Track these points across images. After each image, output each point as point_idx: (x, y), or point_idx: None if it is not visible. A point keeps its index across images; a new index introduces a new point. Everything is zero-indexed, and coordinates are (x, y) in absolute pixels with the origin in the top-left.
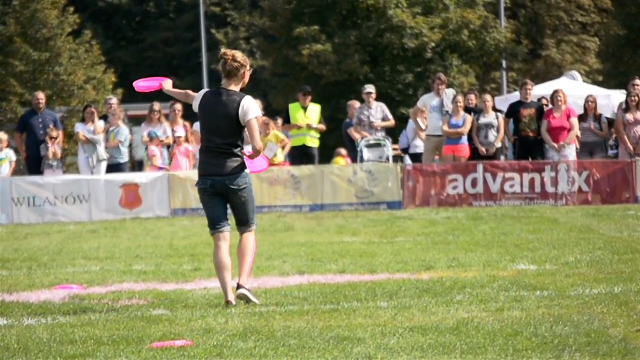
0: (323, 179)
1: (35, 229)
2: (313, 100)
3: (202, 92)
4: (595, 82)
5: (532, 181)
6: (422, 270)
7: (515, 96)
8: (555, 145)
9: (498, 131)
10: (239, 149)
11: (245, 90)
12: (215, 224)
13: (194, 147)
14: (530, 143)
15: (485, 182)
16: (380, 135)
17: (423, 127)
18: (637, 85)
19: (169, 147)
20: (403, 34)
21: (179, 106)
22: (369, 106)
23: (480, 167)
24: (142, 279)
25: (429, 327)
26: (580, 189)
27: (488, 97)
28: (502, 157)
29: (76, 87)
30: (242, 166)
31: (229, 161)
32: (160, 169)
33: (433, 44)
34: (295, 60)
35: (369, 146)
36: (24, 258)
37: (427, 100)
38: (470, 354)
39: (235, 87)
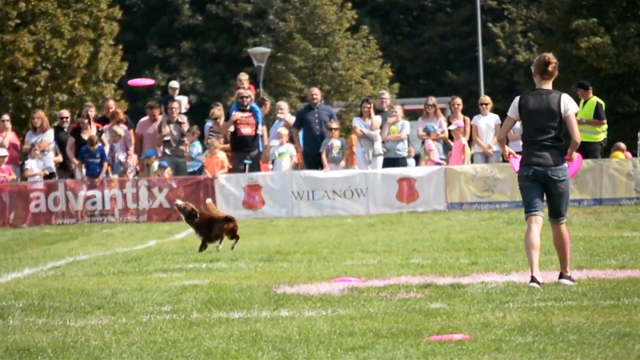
0: (602, 173)
1: (314, 222)
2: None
3: (517, 98)
4: None
5: None
6: None
7: None
8: None
9: None
10: (560, 142)
11: (522, 84)
12: (530, 207)
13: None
14: None
15: None
16: None
17: None
18: None
19: (444, 141)
20: None
21: (459, 100)
22: None
23: None
24: (419, 272)
25: None
26: None
27: None
28: None
29: (353, 81)
30: (563, 159)
31: (552, 153)
32: (437, 163)
33: None
34: (572, 53)
35: None
36: (304, 251)
37: None
38: None
39: (549, 86)
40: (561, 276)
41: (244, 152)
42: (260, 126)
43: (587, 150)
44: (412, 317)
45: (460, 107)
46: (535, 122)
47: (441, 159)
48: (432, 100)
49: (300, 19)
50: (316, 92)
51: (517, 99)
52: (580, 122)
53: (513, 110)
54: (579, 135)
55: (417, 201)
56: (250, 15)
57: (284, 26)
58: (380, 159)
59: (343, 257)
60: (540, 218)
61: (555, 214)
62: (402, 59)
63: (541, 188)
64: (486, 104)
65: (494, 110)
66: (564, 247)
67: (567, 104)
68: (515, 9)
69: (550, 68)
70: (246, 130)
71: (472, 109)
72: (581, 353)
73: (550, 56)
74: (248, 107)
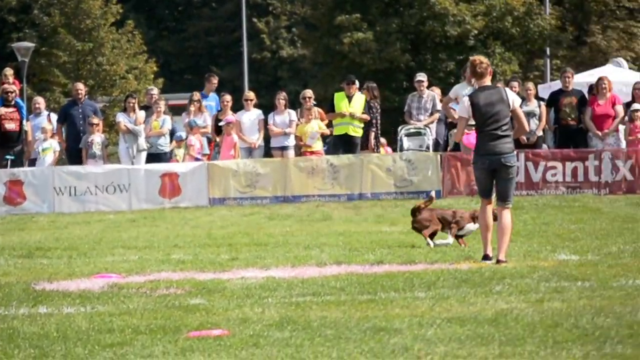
0: (362, 168)
1: (75, 218)
2: None
3: (466, 98)
4: None
5: (574, 170)
6: (461, 260)
7: (559, 84)
8: (599, 133)
9: (540, 119)
10: (510, 131)
11: (286, 79)
12: (485, 194)
13: (237, 139)
14: (570, 132)
15: (526, 170)
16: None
17: (456, 117)
18: None
19: (209, 137)
20: (445, 22)
21: (228, 97)
22: (420, 94)
23: (522, 156)
24: (180, 268)
25: (467, 318)
26: (624, 178)
27: (530, 85)
28: (545, 146)
29: (118, 76)
30: (513, 147)
31: (505, 142)
32: (197, 159)
33: (475, 31)
34: (335, 49)
35: (409, 135)
36: (64, 247)
37: (459, 90)
38: (508, 345)
39: (489, 82)
40: (498, 262)
41: (8, 147)
42: (24, 121)
43: (353, 144)
44: (172, 313)
45: (229, 104)
46: (486, 113)
47: (203, 154)
48: (196, 95)
49: (65, 13)
50: (80, 88)
51: (465, 98)
52: (352, 117)
53: (464, 109)
54: (526, 125)
55: (179, 196)
56: (14, 10)
57: (48, 21)
58: (144, 154)
59: (104, 253)
60: (492, 199)
61: (503, 198)
62: (167, 54)
63: (492, 175)
64: (250, 100)
65: (257, 106)
66: (508, 232)
67: (513, 96)
68: (279, 4)
69: (479, 69)
70: (10, 126)
71: (235, 105)
72: (337, 348)
73: (475, 59)
74: (13, 103)
